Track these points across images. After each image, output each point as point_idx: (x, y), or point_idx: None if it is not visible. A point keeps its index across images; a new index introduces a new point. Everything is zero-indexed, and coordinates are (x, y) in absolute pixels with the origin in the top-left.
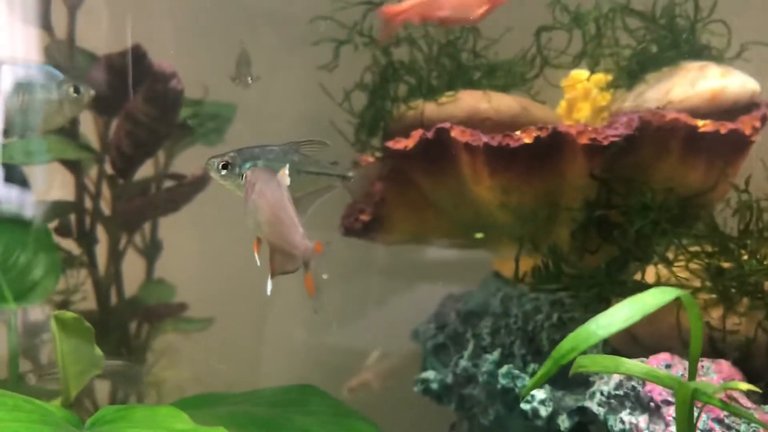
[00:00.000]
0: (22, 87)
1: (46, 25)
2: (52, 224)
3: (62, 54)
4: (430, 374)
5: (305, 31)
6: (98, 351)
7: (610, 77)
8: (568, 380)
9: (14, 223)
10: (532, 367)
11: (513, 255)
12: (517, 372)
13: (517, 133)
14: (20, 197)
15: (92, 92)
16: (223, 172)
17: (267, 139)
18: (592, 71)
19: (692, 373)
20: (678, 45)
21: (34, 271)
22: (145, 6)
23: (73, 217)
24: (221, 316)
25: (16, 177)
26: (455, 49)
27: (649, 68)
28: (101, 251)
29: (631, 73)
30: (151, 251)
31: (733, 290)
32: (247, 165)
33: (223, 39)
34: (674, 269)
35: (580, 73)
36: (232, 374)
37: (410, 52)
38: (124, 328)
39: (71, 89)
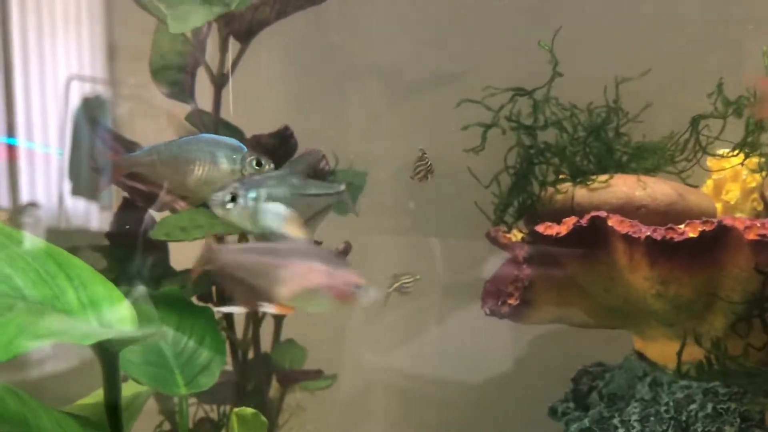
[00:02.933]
0: (205, 155)
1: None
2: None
3: (204, 123)
4: None
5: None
6: None
7: (761, 159)
8: None
9: (181, 304)
10: None
11: (660, 338)
12: None
13: (681, 226)
14: (87, 209)
15: (272, 165)
16: (230, 205)
17: None
18: (748, 155)
19: None
20: None
21: (202, 355)
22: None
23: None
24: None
25: (83, 190)
26: (603, 130)
27: None
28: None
29: None
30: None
31: None
32: (252, 194)
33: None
34: None
35: (727, 155)
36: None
37: (559, 134)
38: (262, 391)
39: (254, 162)
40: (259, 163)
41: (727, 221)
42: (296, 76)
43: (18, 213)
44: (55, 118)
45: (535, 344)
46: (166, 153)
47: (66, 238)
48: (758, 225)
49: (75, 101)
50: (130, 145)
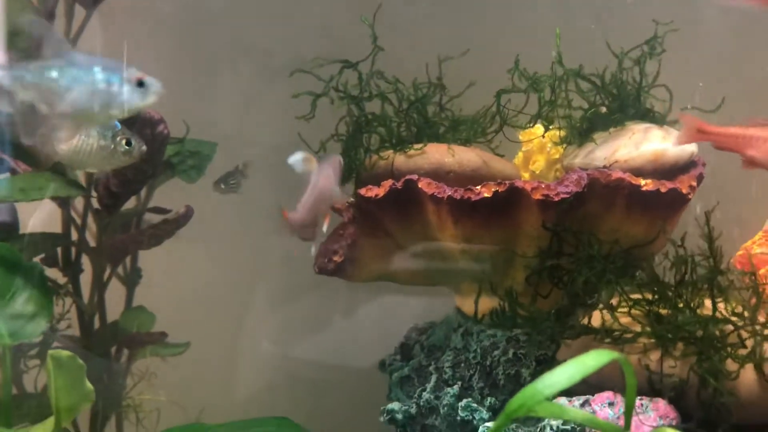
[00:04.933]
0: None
1: None
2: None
3: None
4: (395, 405)
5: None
6: (89, 386)
7: (563, 133)
8: None
9: (6, 260)
10: (489, 400)
11: (472, 293)
12: (475, 405)
13: (478, 187)
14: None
15: (144, 148)
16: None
17: None
18: (547, 128)
19: (627, 422)
20: (625, 108)
21: (27, 308)
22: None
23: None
24: (195, 339)
25: None
26: (423, 104)
27: (598, 128)
28: (85, 280)
29: (582, 131)
30: (132, 279)
31: (669, 336)
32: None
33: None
34: (617, 315)
35: (537, 129)
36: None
37: (381, 106)
38: (106, 354)
39: (123, 141)
40: (128, 143)
41: (518, 183)
42: (170, 51)
43: None
44: None
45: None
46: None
47: None
48: (543, 186)
49: None
50: None
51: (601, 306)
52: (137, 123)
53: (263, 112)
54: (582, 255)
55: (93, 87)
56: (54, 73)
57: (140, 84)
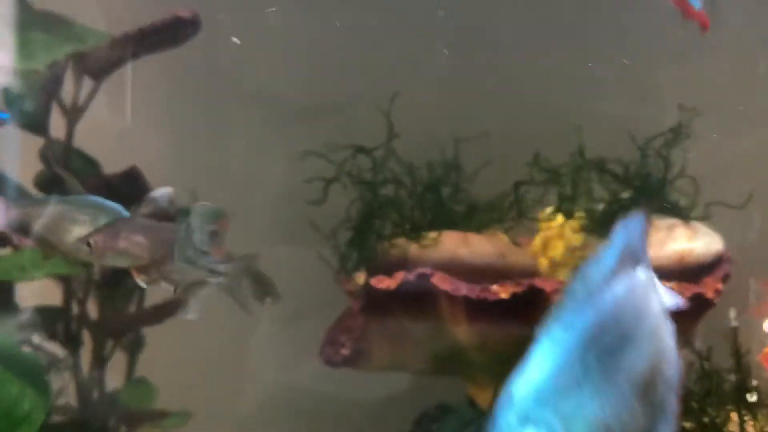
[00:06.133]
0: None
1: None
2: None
3: (56, 154)
4: None
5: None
6: None
7: (583, 221)
8: None
9: (5, 352)
10: None
11: (487, 384)
12: None
13: (495, 287)
14: None
15: None
16: None
17: None
18: (568, 218)
19: None
20: (648, 201)
21: (23, 405)
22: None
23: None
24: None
25: None
26: (438, 188)
27: (619, 219)
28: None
29: (604, 221)
30: (134, 348)
31: None
32: None
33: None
34: None
35: (557, 219)
36: None
37: (395, 190)
38: (104, 429)
39: None
40: None
41: (537, 283)
42: (178, 103)
43: None
44: None
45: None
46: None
47: None
48: (563, 286)
49: None
50: None
51: None
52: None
53: (272, 160)
54: None
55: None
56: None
57: None
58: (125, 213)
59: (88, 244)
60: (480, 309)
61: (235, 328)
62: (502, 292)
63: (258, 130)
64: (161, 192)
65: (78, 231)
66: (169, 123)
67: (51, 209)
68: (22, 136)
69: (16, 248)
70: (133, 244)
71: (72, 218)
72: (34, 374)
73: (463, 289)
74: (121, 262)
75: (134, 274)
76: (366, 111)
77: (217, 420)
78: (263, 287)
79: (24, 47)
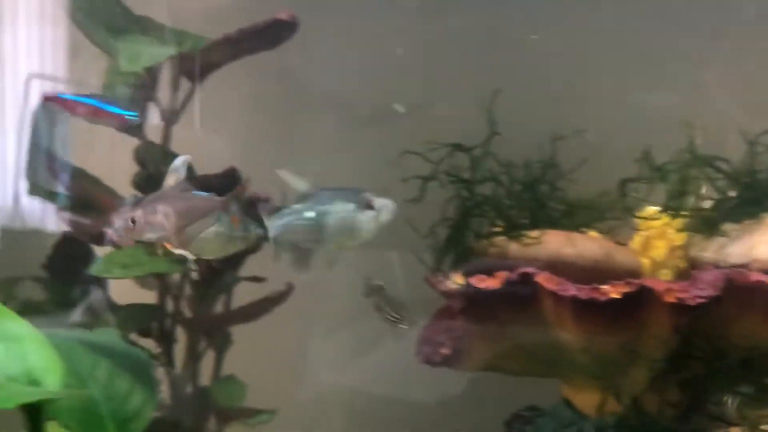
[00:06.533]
0: None
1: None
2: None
3: (152, 156)
4: None
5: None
6: None
7: (687, 220)
8: None
9: (116, 346)
10: None
11: (587, 388)
12: None
13: (605, 287)
14: (43, 209)
15: (260, 232)
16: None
17: None
18: (674, 217)
19: None
20: (760, 201)
21: (134, 400)
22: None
23: None
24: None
25: (39, 189)
26: (537, 186)
27: (727, 219)
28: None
29: (710, 221)
30: (221, 344)
31: None
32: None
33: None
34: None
35: (661, 217)
36: None
37: (495, 188)
38: (200, 426)
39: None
40: (246, 228)
41: (649, 283)
42: (252, 108)
43: None
44: (13, 116)
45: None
46: None
47: (21, 239)
48: (676, 288)
49: (35, 100)
50: (76, 173)
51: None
52: (245, 202)
53: (348, 163)
54: (713, 360)
55: (341, 219)
56: (311, 214)
57: (370, 206)
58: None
59: (132, 221)
60: (587, 309)
61: (315, 327)
62: (613, 292)
63: (337, 131)
64: (180, 161)
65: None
66: (248, 126)
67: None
68: (115, 137)
69: (117, 246)
70: (168, 216)
71: None
72: (142, 370)
73: (572, 289)
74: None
75: (167, 245)
76: (448, 111)
77: (299, 419)
78: (397, 312)
79: (127, 50)
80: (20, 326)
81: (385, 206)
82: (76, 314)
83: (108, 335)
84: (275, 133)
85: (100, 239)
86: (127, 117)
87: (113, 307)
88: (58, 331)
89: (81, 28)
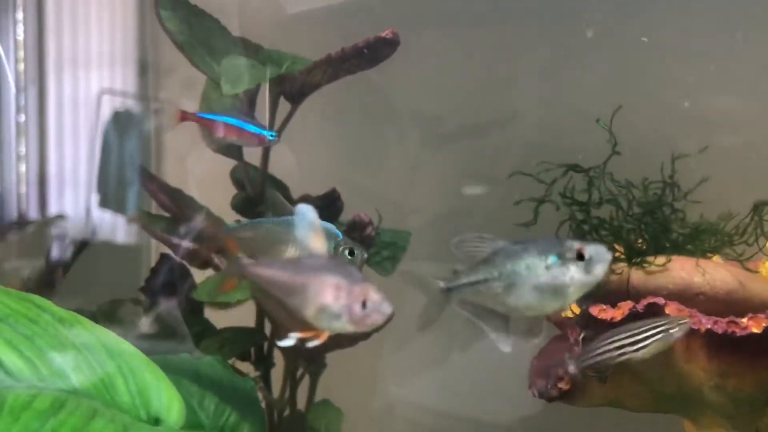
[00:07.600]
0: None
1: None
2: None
3: (250, 178)
4: None
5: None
6: None
7: None
8: None
9: (223, 374)
10: None
11: (715, 427)
12: None
13: (744, 320)
14: (113, 221)
15: (365, 255)
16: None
17: None
18: None
19: None
20: None
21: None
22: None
23: None
24: None
25: (110, 202)
26: (657, 209)
27: None
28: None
29: None
30: (315, 369)
31: None
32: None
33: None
34: None
35: None
36: None
37: (614, 211)
38: None
39: (347, 251)
40: (351, 253)
41: None
42: (341, 129)
43: (46, 225)
44: (86, 131)
45: None
46: (263, 231)
47: (93, 252)
48: None
49: (106, 115)
50: (173, 193)
51: None
52: (347, 226)
53: (430, 180)
54: None
55: (539, 279)
56: (495, 273)
57: (580, 257)
58: (336, 232)
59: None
60: (722, 344)
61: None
62: (754, 325)
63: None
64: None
65: (290, 251)
66: (336, 144)
67: (262, 231)
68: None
69: (218, 270)
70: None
71: (283, 239)
72: (250, 403)
73: (705, 322)
74: None
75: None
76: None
77: None
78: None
79: (230, 72)
80: (138, 360)
81: (599, 255)
82: (145, 325)
83: (212, 364)
84: (365, 150)
85: (204, 265)
86: (268, 137)
87: (211, 330)
88: (160, 358)
89: (182, 51)
